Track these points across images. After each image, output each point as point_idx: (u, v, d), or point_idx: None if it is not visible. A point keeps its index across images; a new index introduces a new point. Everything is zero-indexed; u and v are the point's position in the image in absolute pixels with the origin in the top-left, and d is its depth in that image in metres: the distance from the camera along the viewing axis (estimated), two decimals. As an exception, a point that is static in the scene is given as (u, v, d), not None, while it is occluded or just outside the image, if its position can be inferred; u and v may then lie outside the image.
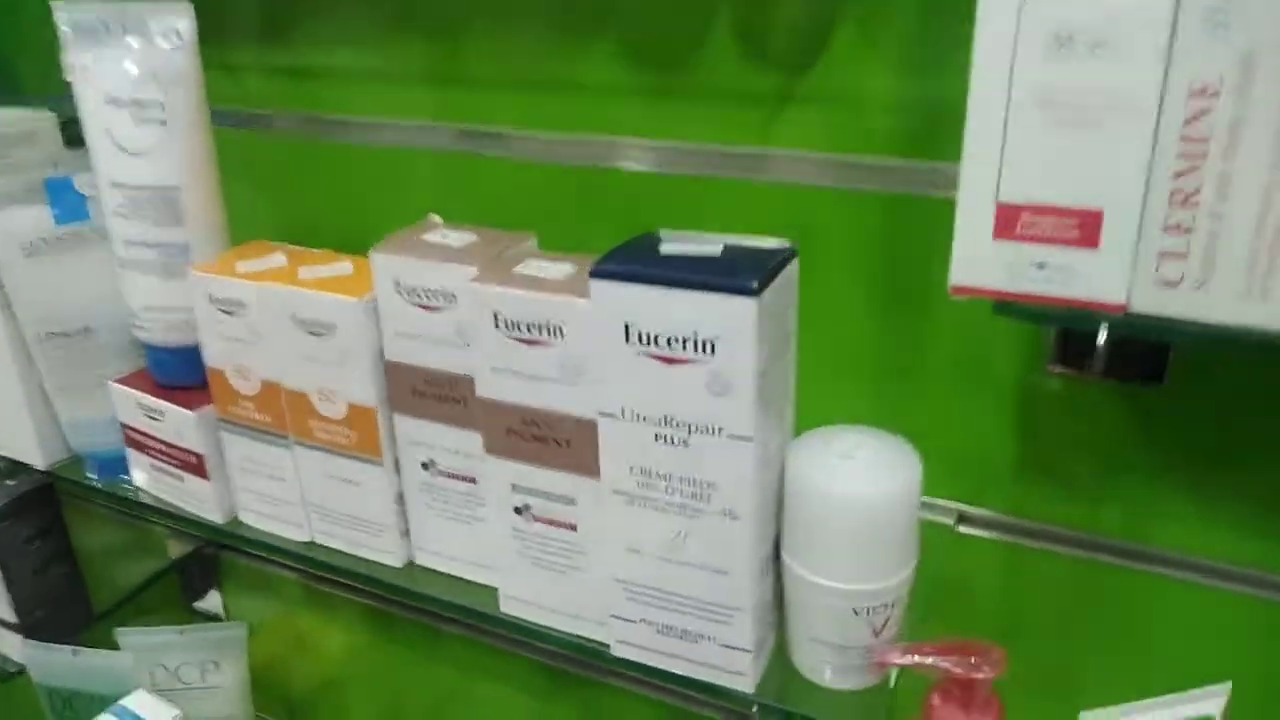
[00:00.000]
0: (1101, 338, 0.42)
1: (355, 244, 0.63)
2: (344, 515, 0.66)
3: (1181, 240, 0.41)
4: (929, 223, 0.57)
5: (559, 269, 0.52)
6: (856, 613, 0.50)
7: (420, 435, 0.60)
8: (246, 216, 0.73)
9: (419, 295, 0.56)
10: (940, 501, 0.63)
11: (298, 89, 0.79)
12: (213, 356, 0.66)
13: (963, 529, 0.64)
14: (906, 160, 0.58)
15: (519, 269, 0.53)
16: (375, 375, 0.60)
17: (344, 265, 0.62)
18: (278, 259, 0.65)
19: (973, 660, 0.47)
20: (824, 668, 0.52)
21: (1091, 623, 0.63)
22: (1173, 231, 0.41)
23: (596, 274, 0.47)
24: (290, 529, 0.69)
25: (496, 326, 0.52)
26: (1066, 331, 0.56)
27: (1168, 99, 0.39)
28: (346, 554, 0.67)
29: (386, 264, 0.57)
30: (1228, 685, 0.50)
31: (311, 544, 0.68)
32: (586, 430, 0.51)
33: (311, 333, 0.60)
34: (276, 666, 1.09)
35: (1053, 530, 0.61)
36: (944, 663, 0.47)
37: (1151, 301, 0.42)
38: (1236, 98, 0.38)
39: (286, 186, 0.83)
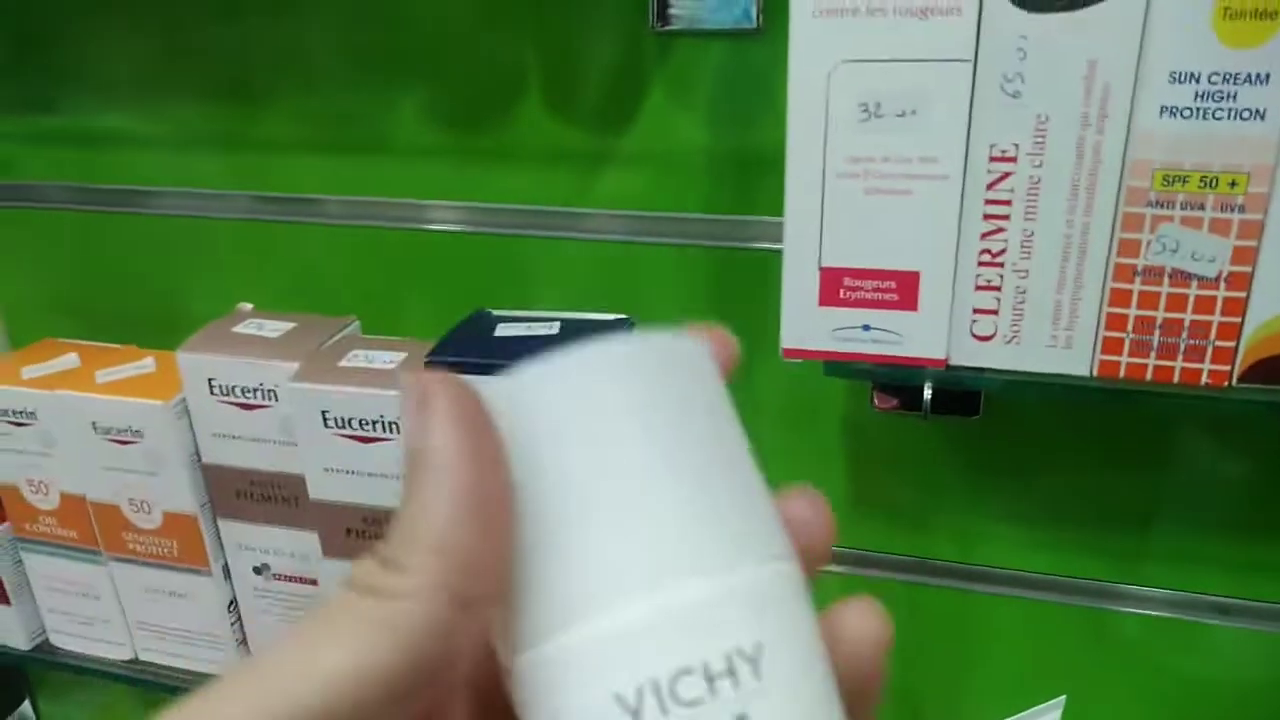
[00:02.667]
0: (927, 394, 0.44)
1: (154, 325, 0.58)
2: (172, 630, 0.61)
3: (992, 297, 0.43)
4: (753, 274, 0.59)
5: (387, 358, 0.50)
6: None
7: (250, 539, 0.56)
8: (26, 307, 0.67)
9: (236, 394, 0.52)
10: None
11: (72, 156, 0.72)
12: (1, 471, 0.60)
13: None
14: (727, 215, 0.59)
15: (344, 362, 0.50)
16: (192, 480, 0.56)
17: (145, 363, 0.58)
18: (69, 360, 0.60)
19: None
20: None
21: (932, 647, 0.65)
22: (983, 290, 0.43)
23: (432, 366, 0.45)
24: (110, 648, 0.63)
25: (326, 425, 0.49)
26: (889, 370, 0.59)
27: (971, 164, 0.41)
28: (178, 670, 0.62)
29: (197, 364, 0.53)
30: (1062, 699, 0.53)
31: (135, 661, 0.63)
32: (432, 523, 0.49)
33: (115, 440, 0.55)
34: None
35: (888, 558, 0.64)
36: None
37: (969, 355, 0.44)
38: (1032, 160, 0.41)
39: (67, 267, 0.76)
